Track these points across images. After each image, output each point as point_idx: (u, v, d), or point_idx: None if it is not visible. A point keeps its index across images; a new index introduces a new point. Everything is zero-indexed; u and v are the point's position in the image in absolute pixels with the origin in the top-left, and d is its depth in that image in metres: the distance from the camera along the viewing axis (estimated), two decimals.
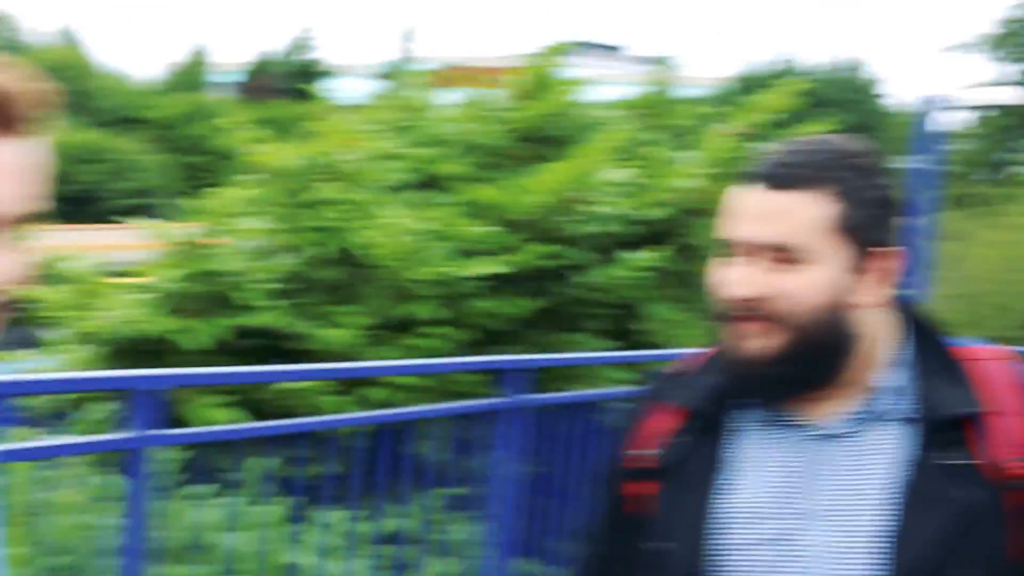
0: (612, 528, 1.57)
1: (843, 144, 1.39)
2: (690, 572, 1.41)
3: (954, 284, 14.27)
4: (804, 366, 1.37)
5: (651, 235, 5.09)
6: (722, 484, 1.43)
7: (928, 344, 1.45)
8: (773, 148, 1.41)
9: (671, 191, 5.10)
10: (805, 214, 1.34)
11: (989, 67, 27.33)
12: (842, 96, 35.25)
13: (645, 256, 4.90)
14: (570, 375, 4.89)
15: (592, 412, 4.33)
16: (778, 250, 1.34)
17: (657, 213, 5.05)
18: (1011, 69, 26.88)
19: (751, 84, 30.22)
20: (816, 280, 1.35)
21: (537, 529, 4.23)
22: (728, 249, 1.39)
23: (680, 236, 5.18)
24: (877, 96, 38.08)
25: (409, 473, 3.71)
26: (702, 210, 5.12)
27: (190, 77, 39.96)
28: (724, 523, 1.41)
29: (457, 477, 3.96)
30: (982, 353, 1.44)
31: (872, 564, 1.35)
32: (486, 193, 4.96)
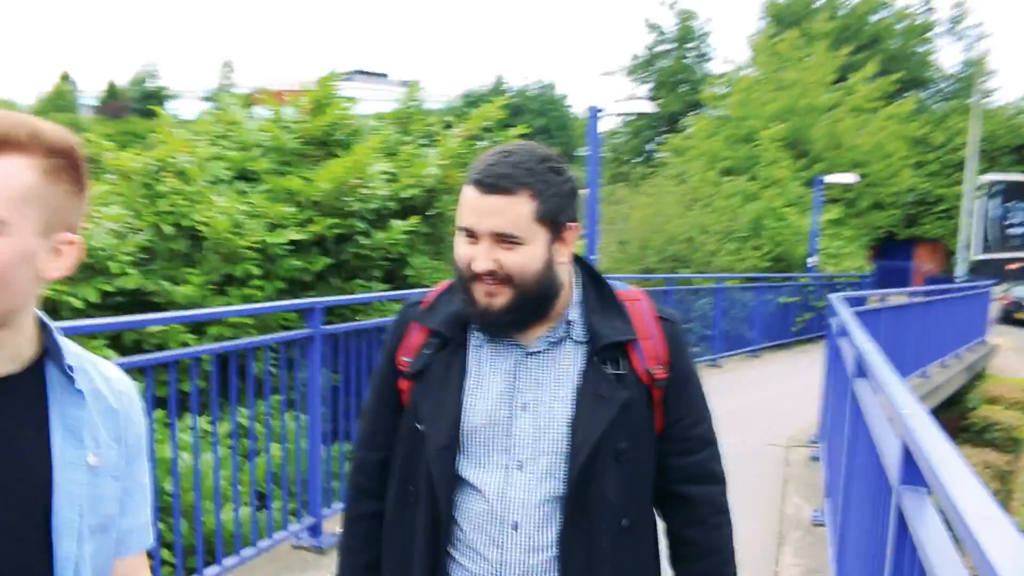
0: (382, 411, 1.75)
1: (534, 152, 1.55)
2: (436, 445, 1.61)
3: (617, 234, 20.20)
4: (525, 312, 1.57)
5: (409, 208, 6.39)
6: (459, 384, 1.62)
7: (597, 288, 1.67)
8: (485, 158, 1.57)
9: (420, 176, 6.37)
10: (513, 212, 1.51)
11: (630, 86, 36.16)
12: (540, 107, 51.70)
13: (405, 223, 6.16)
14: (358, 310, 6.07)
15: (375, 335, 4.98)
16: (500, 236, 1.52)
17: (412, 192, 6.34)
18: (643, 88, 36.40)
19: (474, 100, 41.17)
20: (530, 255, 1.53)
21: (342, 420, 4.92)
22: (465, 231, 1.55)
23: (429, 208, 6.51)
24: (565, 106, 54.56)
25: (251, 386, 4.24)
26: (443, 189, 6.56)
27: (59, 100, 45.18)
28: (462, 411, 1.61)
29: (285, 387, 4.44)
30: (627, 295, 1.69)
31: (560, 441, 1.59)
32: (288, 182, 6.06)
